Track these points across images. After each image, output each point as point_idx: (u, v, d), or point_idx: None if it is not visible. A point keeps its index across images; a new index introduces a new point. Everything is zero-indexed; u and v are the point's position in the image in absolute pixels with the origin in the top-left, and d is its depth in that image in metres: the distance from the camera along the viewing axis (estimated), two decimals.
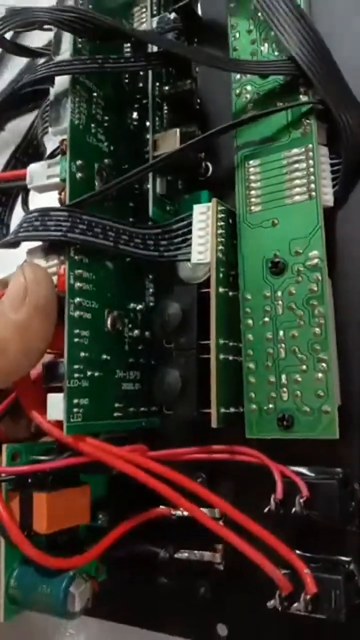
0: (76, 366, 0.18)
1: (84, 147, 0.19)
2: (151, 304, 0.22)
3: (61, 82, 0.19)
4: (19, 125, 0.24)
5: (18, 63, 0.31)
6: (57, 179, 0.19)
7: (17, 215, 0.25)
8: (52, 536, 0.18)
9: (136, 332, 0.21)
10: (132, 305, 0.21)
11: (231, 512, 0.18)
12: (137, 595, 0.21)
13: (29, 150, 0.22)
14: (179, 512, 0.20)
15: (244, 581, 0.19)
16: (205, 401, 0.18)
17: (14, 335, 0.17)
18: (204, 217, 0.19)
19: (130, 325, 0.21)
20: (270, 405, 0.19)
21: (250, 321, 0.19)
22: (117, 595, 0.21)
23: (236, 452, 0.19)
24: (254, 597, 0.18)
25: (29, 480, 0.18)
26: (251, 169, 0.20)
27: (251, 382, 0.19)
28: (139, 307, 0.21)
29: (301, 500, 0.17)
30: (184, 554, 0.20)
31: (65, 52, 0.19)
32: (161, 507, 0.20)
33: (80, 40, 0.19)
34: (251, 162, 0.20)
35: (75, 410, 0.18)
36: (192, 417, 0.19)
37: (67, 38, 0.19)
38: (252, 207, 0.20)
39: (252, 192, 0.20)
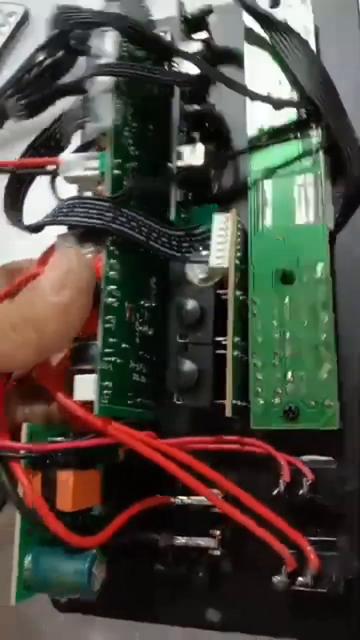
0: (107, 350, 0.19)
1: (120, 146, 0.20)
2: (154, 304, 0.23)
3: (105, 82, 0.20)
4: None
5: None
6: (95, 172, 0.20)
7: None
8: (74, 515, 0.18)
9: (145, 327, 0.22)
10: (142, 301, 0.22)
11: (242, 495, 0.19)
12: (135, 586, 0.22)
13: (51, 142, 0.22)
14: (179, 500, 0.21)
15: (242, 567, 0.20)
16: (218, 393, 0.20)
17: (54, 316, 0.17)
18: (223, 225, 0.21)
19: (140, 320, 0.22)
20: (277, 400, 0.20)
21: (258, 323, 0.21)
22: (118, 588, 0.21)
23: (244, 442, 0.20)
24: (251, 583, 0.20)
25: (47, 461, 0.18)
26: (265, 189, 0.22)
27: (258, 378, 0.21)
28: (147, 304, 0.22)
29: (307, 483, 0.19)
30: (181, 541, 0.21)
31: (112, 55, 0.20)
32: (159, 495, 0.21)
33: (125, 46, 0.21)
34: (265, 183, 0.22)
35: (105, 392, 0.18)
36: (206, 406, 0.20)
37: (115, 42, 0.20)
38: (264, 223, 0.22)
39: (265, 209, 0.22)
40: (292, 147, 0.22)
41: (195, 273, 0.22)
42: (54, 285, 0.18)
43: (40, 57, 0.22)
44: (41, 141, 0.22)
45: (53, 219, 0.19)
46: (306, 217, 0.22)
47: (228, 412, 0.19)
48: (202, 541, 0.21)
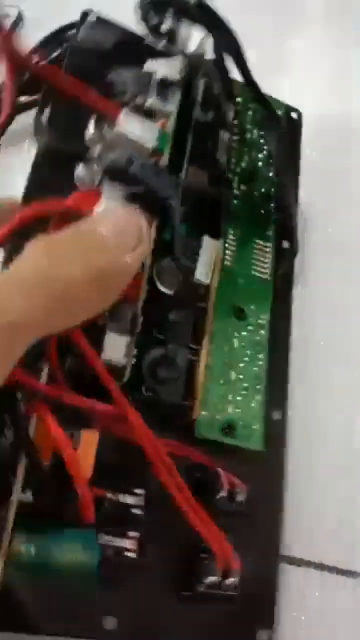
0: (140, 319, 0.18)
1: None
2: None
3: (178, 70, 0.21)
4: None
5: None
6: (150, 144, 0.20)
7: None
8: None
9: None
10: None
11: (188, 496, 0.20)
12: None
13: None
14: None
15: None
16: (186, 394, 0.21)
17: (122, 278, 0.16)
18: (210, 247, 0.23)
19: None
20: (218, 415, 0.22)
21: (214, 345, 0.23)
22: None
23: (185, 449, 0.21)
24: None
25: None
26: (231, 237, 0.25)
27: (208, 390, 0.22)
28: None
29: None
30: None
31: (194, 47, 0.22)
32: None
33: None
34: (232, 232, 0.26)
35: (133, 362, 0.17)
36: (176, 402, 0.20)
37: (196, 36, 0.22)
38: (228, 262, 0.25)
39: (229, 252, 0.25)
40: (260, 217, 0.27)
41: None
42: (126, 244, 0.16)
43: (34, 60, 0.23)
44: None
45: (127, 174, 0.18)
46: (259, 273, 0.26)
47: (195, 415, 0.21)
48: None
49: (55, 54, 0.25)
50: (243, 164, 0.27)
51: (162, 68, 0.21)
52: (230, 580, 0.20)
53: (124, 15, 0.23)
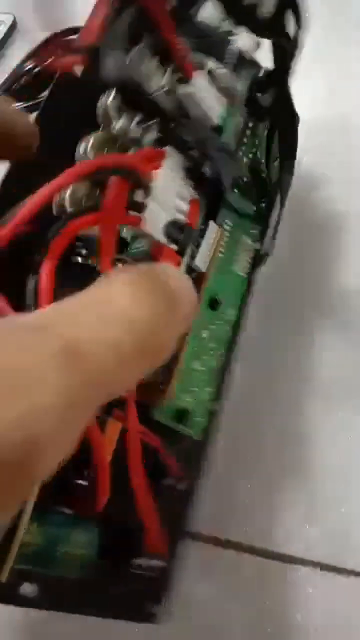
0: None
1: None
2: None
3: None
4: None
5: None
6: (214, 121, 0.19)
7: None
8: None
9: None
10: None
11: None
12: None
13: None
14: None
15: None
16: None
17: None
18: (212, 234, 0.23)
19: None
20: (177, 402, 0.22)
21: (192, 332, 0.23)
22: None
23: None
24: None
25: None
26: (225, 227, 0.25)
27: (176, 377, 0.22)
28: None
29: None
30: None
31: None
32: None
33: None
34: (226, 223, 0.25)
35: None
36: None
37: None
38: (218, 253, 0.25)
39: (222, 242, 0.25)
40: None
41: None
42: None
43: (29, 66, 0.23)
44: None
45: None
46: (240, 269, 0.26)
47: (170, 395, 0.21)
48: None
49: None
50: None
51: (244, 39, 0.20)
52: (155, 562, 0.21)
53: None
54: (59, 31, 0.23)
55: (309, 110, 0.29)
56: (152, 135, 0.17)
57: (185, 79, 0.18)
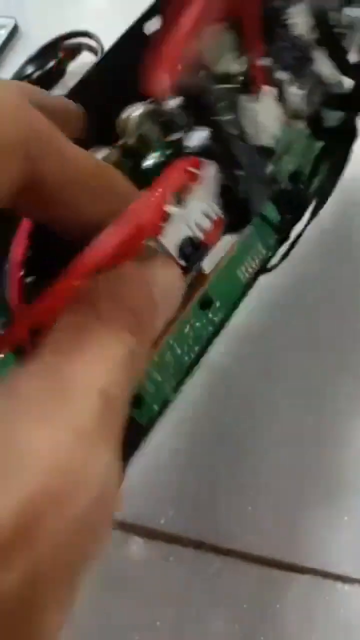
0: None
1: None
2: None
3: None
4: None
5: None
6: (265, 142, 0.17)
7: None
8: None
9: None
10: None
11: None
12: None
13: None
14: None
15: None
16: None
17: None
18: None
19: None
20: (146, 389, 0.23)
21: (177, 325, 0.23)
22: None
23: None
24: None
25: None
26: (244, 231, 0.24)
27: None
28: None
29: None
30: None
31: None
32: None
33: None
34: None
35: None
36: None
37: None
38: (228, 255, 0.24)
39: (235, 246, 0.24)
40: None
41: None
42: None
43: (30, 70, 0.24)
44: None
45: None
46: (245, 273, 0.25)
47: None
48: None
49: None
50: None
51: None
52: None
53: None
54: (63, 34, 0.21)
55: None
56: (198, 139, 0.16)
57: (251, 91, 0.17)
